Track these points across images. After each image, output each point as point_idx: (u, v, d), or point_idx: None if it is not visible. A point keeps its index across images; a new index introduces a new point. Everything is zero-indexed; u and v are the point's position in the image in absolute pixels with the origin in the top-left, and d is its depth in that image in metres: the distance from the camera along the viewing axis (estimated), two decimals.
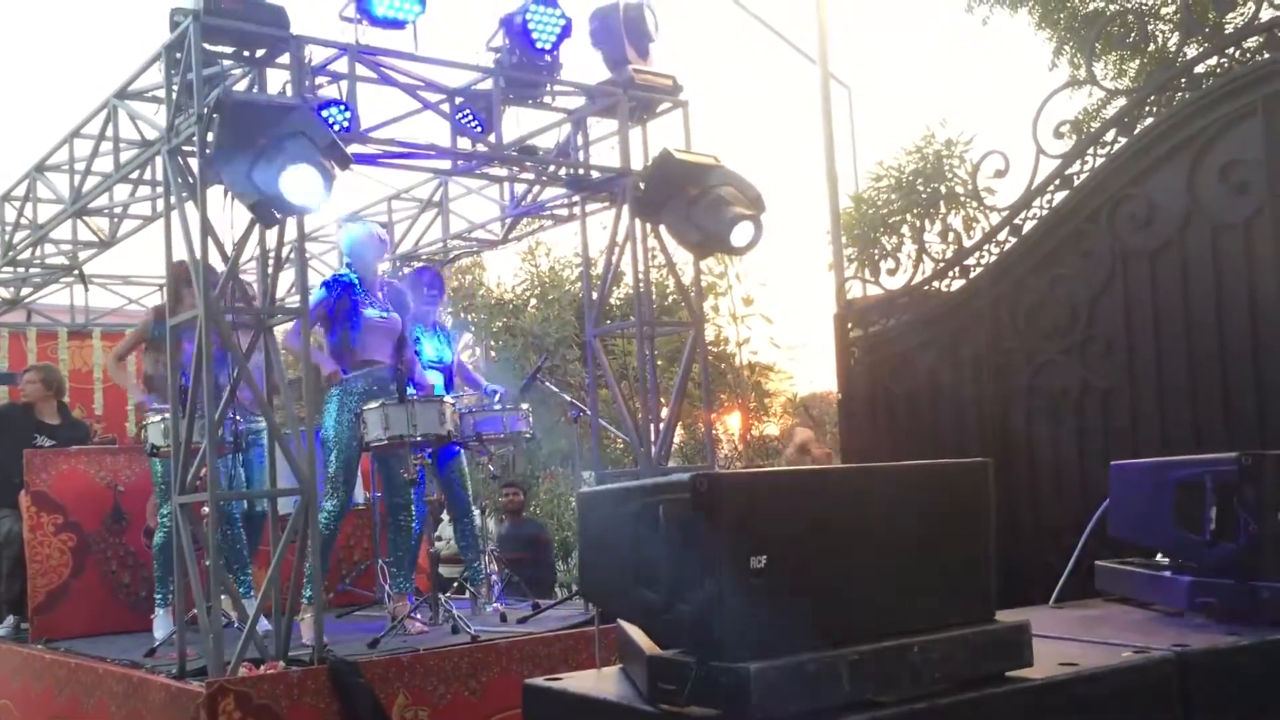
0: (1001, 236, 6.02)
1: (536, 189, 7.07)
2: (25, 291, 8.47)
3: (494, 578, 6.67)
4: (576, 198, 6.78)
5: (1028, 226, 5.89)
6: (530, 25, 5.86)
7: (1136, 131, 5.44)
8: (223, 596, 5.04)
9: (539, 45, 5.89)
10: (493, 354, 14.43)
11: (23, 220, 7.08)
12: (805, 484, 2.19)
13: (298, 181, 4.54)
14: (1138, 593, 3.21)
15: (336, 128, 5.28)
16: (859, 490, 2.20)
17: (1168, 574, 3.09)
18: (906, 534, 2.20)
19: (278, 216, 4.78)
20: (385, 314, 6.06)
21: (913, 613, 2.16)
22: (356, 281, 6.06)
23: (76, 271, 7.89)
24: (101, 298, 9.39)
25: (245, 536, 6.22)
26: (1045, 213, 5.80)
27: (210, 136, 4.74)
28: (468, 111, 6.10)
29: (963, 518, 2.29)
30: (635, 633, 2.28)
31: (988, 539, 2.31)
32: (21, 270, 7.93)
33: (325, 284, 6.13)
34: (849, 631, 2.06)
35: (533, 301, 15.43)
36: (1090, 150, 5.65)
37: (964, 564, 2.28)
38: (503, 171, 6.86)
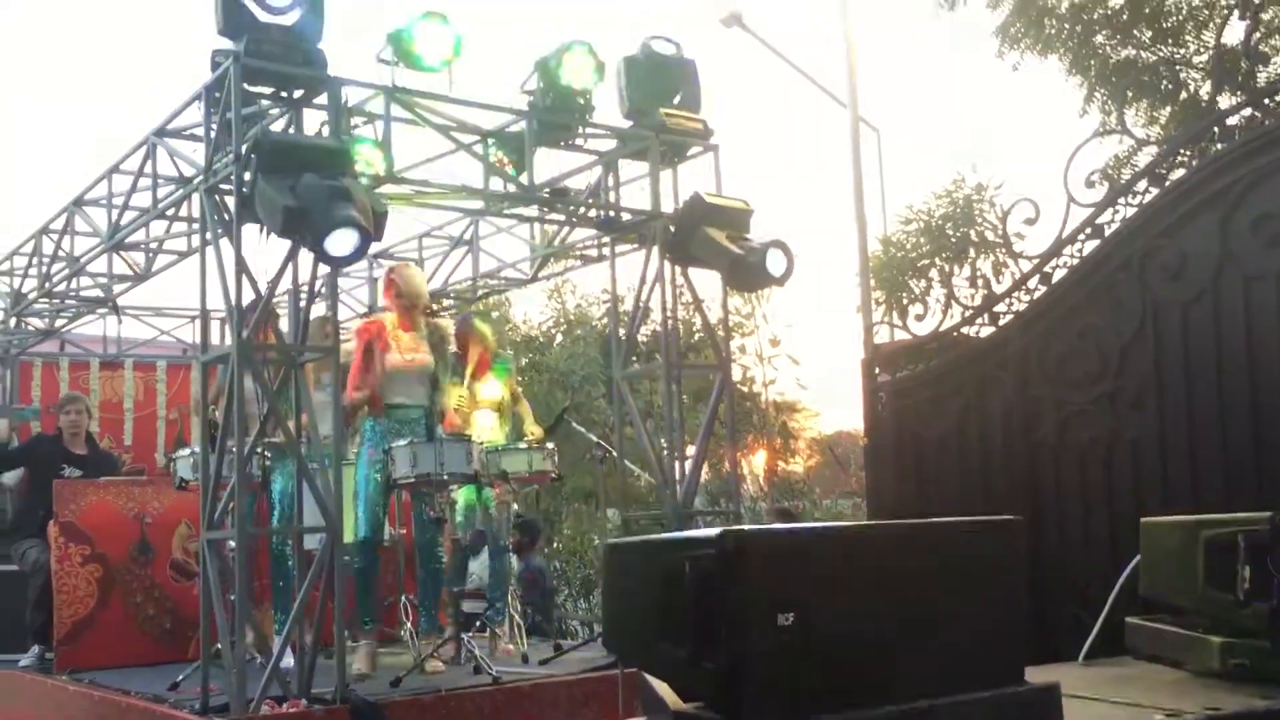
0: (1031, 284, 6.01)
1: (566, 229, 7.11)
2: (60, 322, 8.57)
3: (516, 617, 6.66)
4: (606, 239, 6.81)
5: (1058, 275, 5.88)
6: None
7: (1169, 183, 5.43)
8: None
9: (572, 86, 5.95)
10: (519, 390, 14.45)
11: (60, 252, 7.17)
12: (834, 542, 2.18)
13: (342, 240, 4.63)
14: (1168, 652, 3.17)
15: (371, 169, 5.35)
16: (888, 548, 2.19)
17: (1199, 634, 3.05)
18: (936, 593, 2.19)
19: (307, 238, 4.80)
20: (411, 356, 6.06)
21: (941, 673, 2.15)
22: (388, 323, 6.08)
23: (111, 304, 7.97)
24: (134, 329, 9.47)
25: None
26: (1076, 261, 5.79)
27: (247, 176, 4.80)
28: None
29: (993, 577, 2.28)
30: (659, 686, 2.27)
31: (1018, 599, 2.30)
32: (57, 301, 8.03)
33: (357, 331, 6.20)
34: (876, 692, 2.05)
35: (559, 338, 15.47)
36: (1121, 200, 5.65)
37: (994, 624, 2.26)
38: (534, 211, 6.91)
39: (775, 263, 6.02)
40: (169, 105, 5.58)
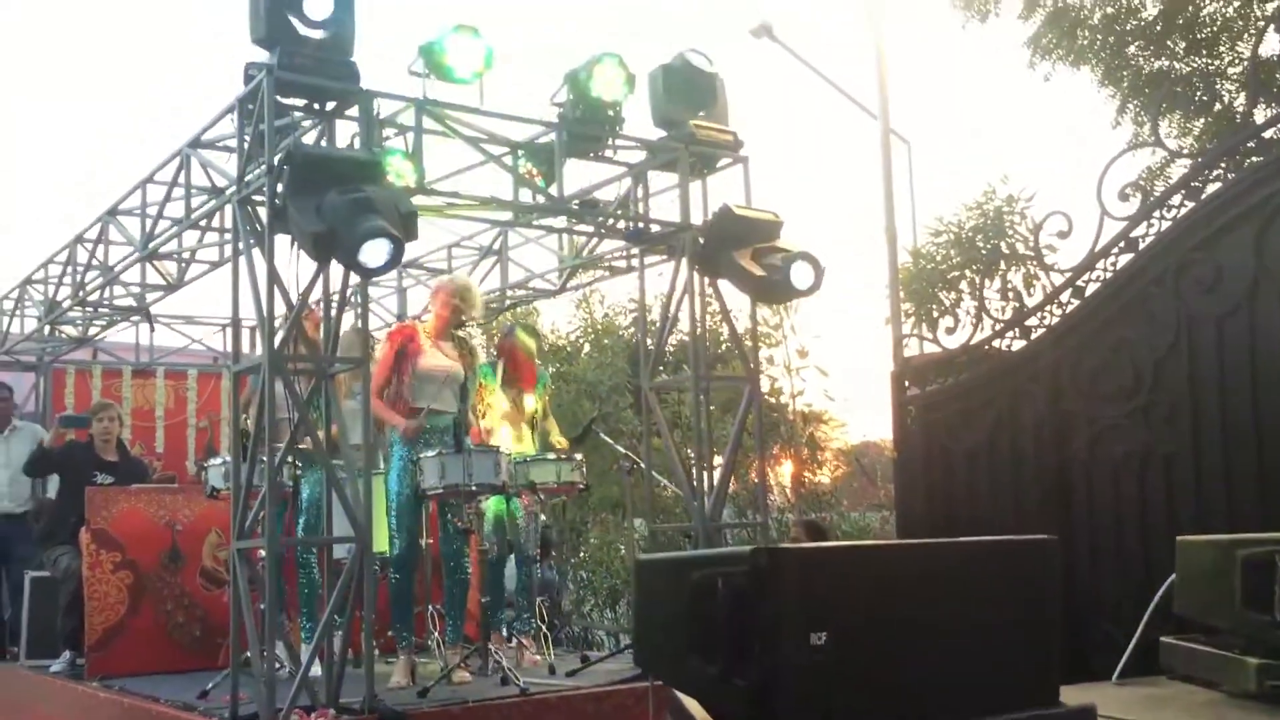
0: (1064, 298, 5.97)
1: (595, 240, 7.11)
2: (93, 330, 8.65)
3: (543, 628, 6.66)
4: (635, 250, 6.81)
5: (1091, 288, 5.84)
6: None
7: (1204, 196, 5.39)
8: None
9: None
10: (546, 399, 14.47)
11: (94, 261, 7.25)
12: (868, 560, 2.17)
13: (375, 251, 4.65)
14: (1203, 673, 3.13)
15: (402, 181, 5.37)
16: (922, 567, 2.18)
17: (1235, 654, 3.01)
18: (969, 613, 2.17)
19: (336, 255, 4.82)
20: (444, 362, 6.08)
21: (975, 694, 2.13)
22: (421, 330, 6.11)
23: (144, 312, 8.04)
24: (166, 337, 9.56)
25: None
26: (1109, 275, 5.75)
27: (280, 188, 4.83)
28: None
29: (1027, 597, 2.26)
30: (690, 703, 2.26)
31: (1053, 618, 2.27)
32: (90, 310, 8.10)
33: (389, 335, 6.25)
34: (909, 712, 2.03)
35: (586, 348, 15.46)
36: (1156, 213, 5.60)
37: (1028, 644, 2.24)
38: (562, 222, 6.92)
39: (801, 275, 6.01)
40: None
